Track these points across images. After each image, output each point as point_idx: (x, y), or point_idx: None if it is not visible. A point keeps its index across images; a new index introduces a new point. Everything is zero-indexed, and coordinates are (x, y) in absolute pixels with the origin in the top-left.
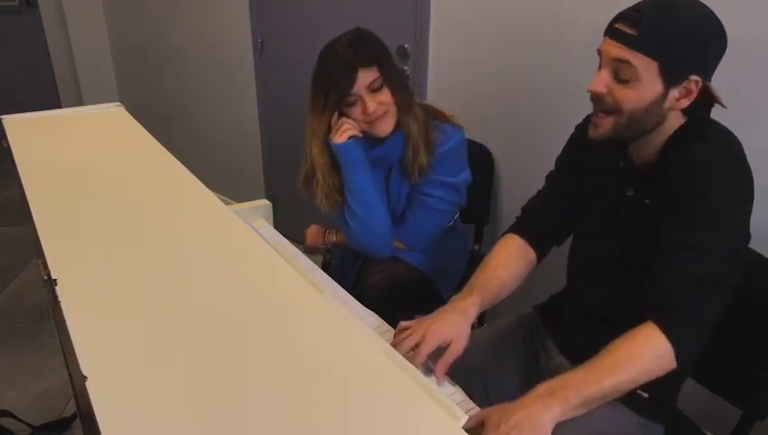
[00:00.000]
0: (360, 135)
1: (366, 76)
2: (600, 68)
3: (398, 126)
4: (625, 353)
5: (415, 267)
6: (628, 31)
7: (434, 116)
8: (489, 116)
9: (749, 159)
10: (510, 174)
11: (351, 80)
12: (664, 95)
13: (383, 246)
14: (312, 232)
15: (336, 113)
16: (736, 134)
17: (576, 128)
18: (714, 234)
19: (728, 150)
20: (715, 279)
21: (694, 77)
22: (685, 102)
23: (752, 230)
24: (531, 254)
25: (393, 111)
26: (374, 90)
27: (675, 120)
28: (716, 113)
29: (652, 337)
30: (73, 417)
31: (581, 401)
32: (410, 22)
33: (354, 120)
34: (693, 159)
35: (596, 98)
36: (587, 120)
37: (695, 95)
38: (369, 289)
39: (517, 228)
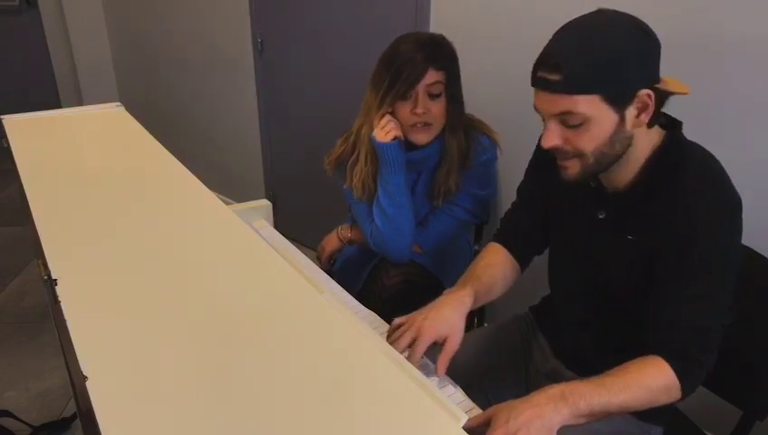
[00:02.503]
0: (403, 138)
1: (430, 77)
2: (543, 120)
3: (440, 139)
4: (636, 379)
5: (427, 269)
6: (552, 77)
7: (474, 127)
8: (489, 116)
9: (746, 158)
10: (510, 174)
11: (418, 76)
12: (621, 120)
13: (404, 250)
14: (329, 239)
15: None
16: (735, 135)
17: (540, 138)
18: (719, 278)
19: (714, 179)
20: (721, 321)
21: (643, 91)
22: (645, 117)
23: (752, 230)
24: (514, 262)
25: (437, 125)
26: (432, 95)
27: (644, 143)
28: (716, 112)
29: (662, 372)
30: (73, 417)
31: (589, 411)
32: (410, 23)
33: (399, 115)
34: (681, 195)
35: (557, 151)
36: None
37: (652, 106)
38: (385, 290)
39: (498, 239)
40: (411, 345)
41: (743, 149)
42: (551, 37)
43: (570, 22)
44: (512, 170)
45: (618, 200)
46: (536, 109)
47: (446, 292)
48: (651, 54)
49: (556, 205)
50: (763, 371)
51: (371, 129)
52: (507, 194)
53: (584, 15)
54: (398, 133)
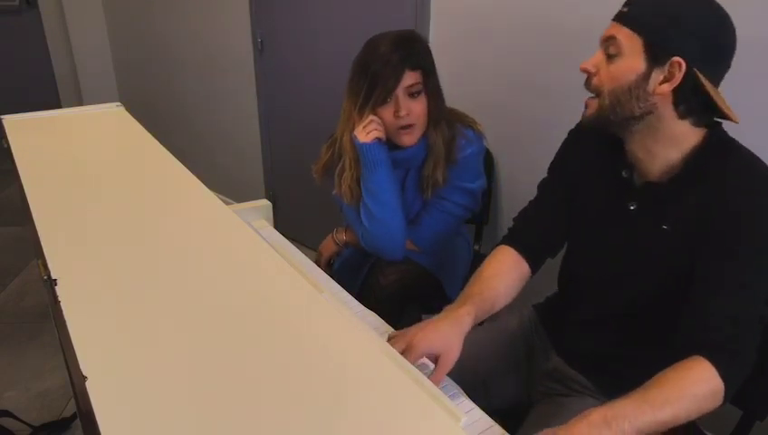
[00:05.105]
0: (384, 138)
1: (408, 78)
2: None
3: (424, 135)
4: (678, 389)
5: (424, 268)
6: (623, 9)
7: (458, 120)
8: (489, 116)
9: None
10: (510, 174)
11: (397, 80)
12: (646, 75)
13: (396, 248)
14: (325, 244)
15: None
16: (735, 134)
17: (569, 133)
18: (759, 269)
19: (758, 172)
20: (761, 315)
21: (676, 59)
22: (667, 88)
23: None
24: (524, 267)
25: (421, 124)
26: (411, 94)
27: (687, 135)
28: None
29: (706, 376)
30: (73, 417)
31: (635, 431)
32: (410, 22)
33: (383, 119)
34: (724, 186)
35: (587, 80)
36: (580, 125)
37: (678, 80)
38: (381, 289)
39: (510, 240)
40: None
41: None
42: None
43: None
44: (512, 170)
45: (650, 191)
46: None
47: (446, 308)
48: (712, 41)
49: (582, 198)
50: (762, 371)
51: (351, 138)
52: (507, 194)
53: None
54: (380, 134)
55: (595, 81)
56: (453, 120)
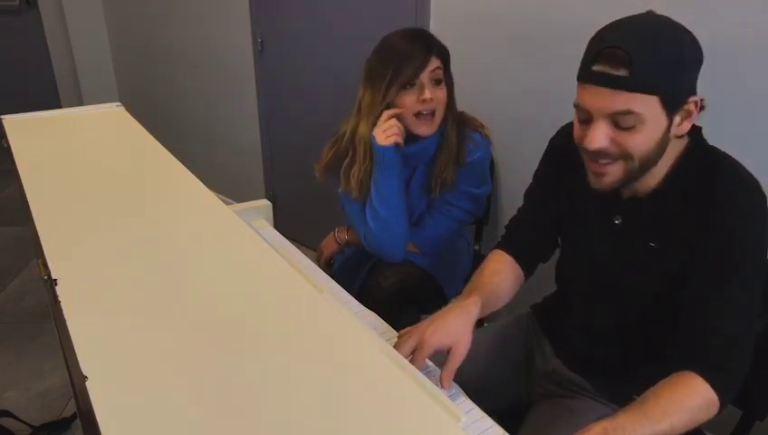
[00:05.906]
0: (402, 145)
1: (434, 63)
2: (584, 121)
3: (440, 129)
4: (674, 403)
5: (424, 270)
6: (617, 72)
7: (466, 123)
8: (489, 116)
9: (748, 159)
10: (510, 174)
11: (424, 62)
12: (669, 125)
13: (397, 251)
14: (326, 242)
15: (386, 109)
16: (735, 135)
17: (550, 142)
18: (751, 284)
19: (748, 185)
20: (752, 328)
21: (692, 98)
22: (687, 125)
23: None
24: (519, 270)
25: (440, 113)
26: (435, 81)
27: (675, 147)
28: (715, 115)
29: (699, 389)
30: (73, 417)
31: None
32: (410, 22)
33: (404, 106)
34: (717, 202)
35: (596, 152)
36: (560, 134)
37: (695, 114)
38: (381, 291)
39: (503, 246)
40: (414, 353)
41: (749, 152)
42: (603, 32)
43: (628, 19)
44: (512, 170)
45: (636, 206)
46: (580, 106)
47: (452, 301)
48: (700, 63)
49: (568, 209)
50: (762, 371)
51: (371, 126)
52: (507, 194)
53: (642, 15)
54: (399, 140)
55: (614, 151)
56: (462, 122)
